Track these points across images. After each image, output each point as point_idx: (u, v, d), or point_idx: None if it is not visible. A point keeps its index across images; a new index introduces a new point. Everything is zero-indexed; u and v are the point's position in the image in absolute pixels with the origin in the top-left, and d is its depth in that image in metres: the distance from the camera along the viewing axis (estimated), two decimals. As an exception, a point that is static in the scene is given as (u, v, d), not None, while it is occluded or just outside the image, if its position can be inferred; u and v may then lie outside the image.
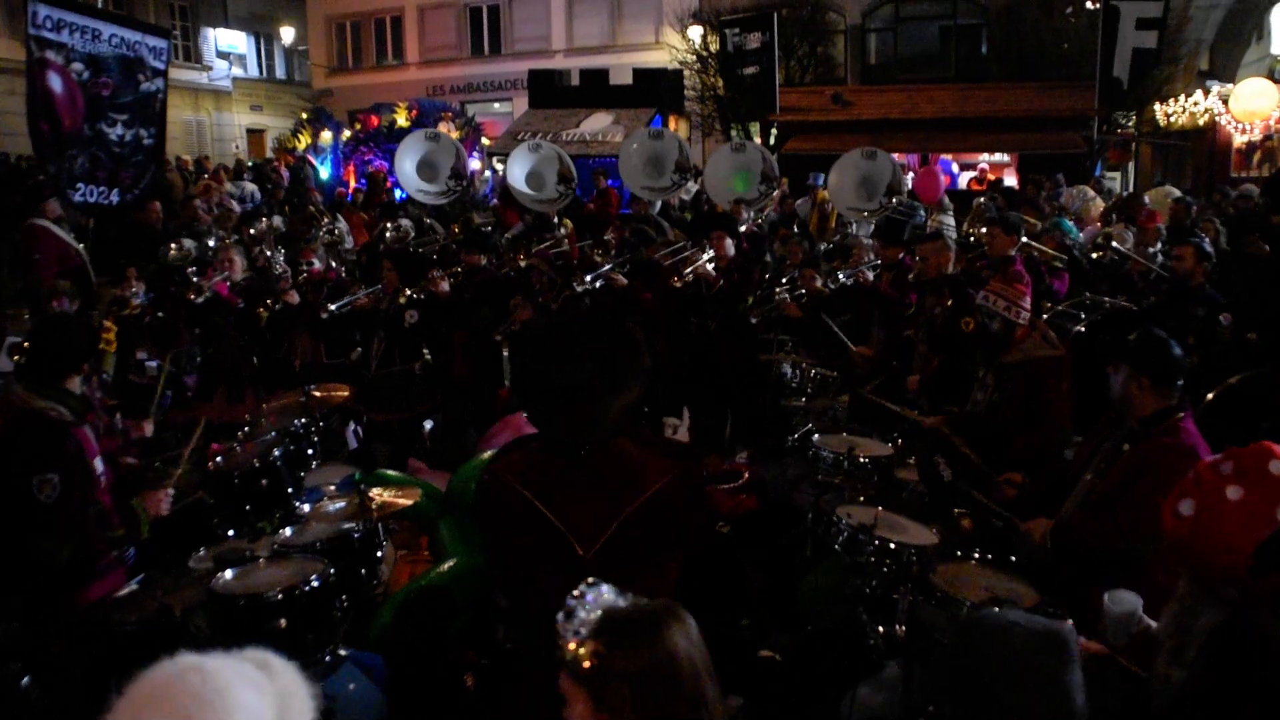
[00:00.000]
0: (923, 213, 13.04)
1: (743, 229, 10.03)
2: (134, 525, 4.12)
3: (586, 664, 1.91)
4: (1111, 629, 2.88)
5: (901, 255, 7.84)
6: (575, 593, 1.99)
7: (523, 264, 8.86)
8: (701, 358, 7.96)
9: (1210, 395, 5.79)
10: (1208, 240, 7.44)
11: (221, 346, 7.64)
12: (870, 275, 8.06)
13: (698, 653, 1.97)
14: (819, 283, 8.00)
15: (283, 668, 1.56)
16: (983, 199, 12.35)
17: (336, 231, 11.59)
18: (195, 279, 7.84)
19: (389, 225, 11.51)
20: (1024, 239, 7.83)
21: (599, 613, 1.96)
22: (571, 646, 1.94)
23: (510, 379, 7.97)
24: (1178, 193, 13.28)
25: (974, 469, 4.59)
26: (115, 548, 4.12)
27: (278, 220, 12.23)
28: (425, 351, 7.45)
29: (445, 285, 7.84)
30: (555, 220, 11.63)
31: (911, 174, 16.08)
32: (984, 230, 8.86)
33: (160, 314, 7.44)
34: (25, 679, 3.84)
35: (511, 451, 3.32)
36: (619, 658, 1.90)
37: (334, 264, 9.40)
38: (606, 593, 2.00)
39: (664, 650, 1.91)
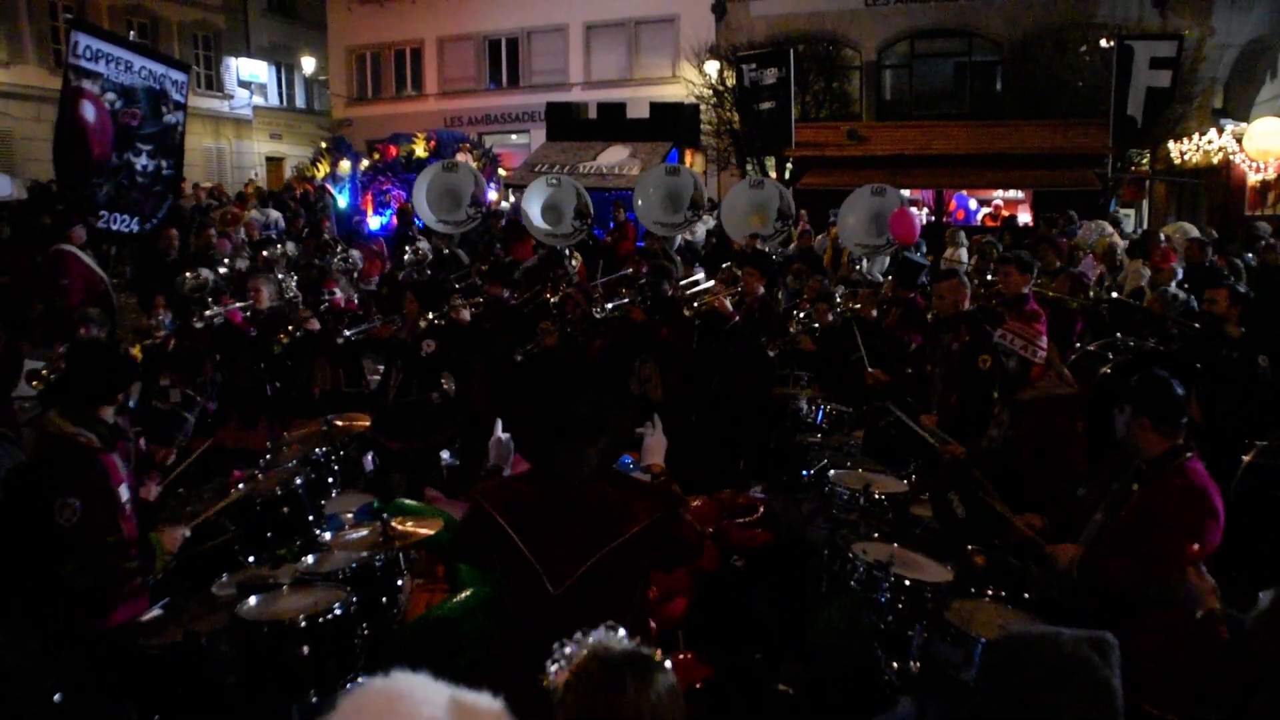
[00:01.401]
0: (924, 247, 13.16)
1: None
2: (149, 558, 4.15)
3: (555, 694, 1.94)
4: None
5: (911, 296, 7.94)
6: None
7: (552, 299, 8.93)
8: (717, 391, 8.01)
9: (1247, 459, 5.72)
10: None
11: (236, 373, 7.72)
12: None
13: (665, 713, 1.91)
14: (831, 317, 8.08)
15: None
16: (989, 238, 12.38)
17: (351, 260, 11.73)
18: (212, 305, 7.96)
19: (408, 249, 11.64)
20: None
21: (585, 649, 1.97)
22: (551, 671, 1.97)
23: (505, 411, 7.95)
24: (1195, 231, 13.28)
25: (990, 509, 4.62)
26: (129, 578, 4.14)
27: (290, 247, 12.37)
28: (445, 382, 7.50)
29: (466, 314, 7.92)
30: (567, 254, 11.73)
31: (926, 209, 16.13)
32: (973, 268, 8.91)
33: (189, 342, 7.54)
34: (58, 695, 3.88)
35: (502, 480, 3.40)
36: (578, 697, 1.91)
37: (354, 294, 9.50)
38: (605, 632, 2.01)
39: (622, 704, 1.88)
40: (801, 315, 8.37)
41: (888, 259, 12.27)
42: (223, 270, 10.10)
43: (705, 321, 8.15)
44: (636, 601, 3.14)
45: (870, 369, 7.39)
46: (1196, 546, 3.61)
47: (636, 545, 2.96)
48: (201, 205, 18.28)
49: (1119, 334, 7.86)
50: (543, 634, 2.94)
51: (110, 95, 9.67)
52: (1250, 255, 11.21)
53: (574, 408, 2.99)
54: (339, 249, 11.89)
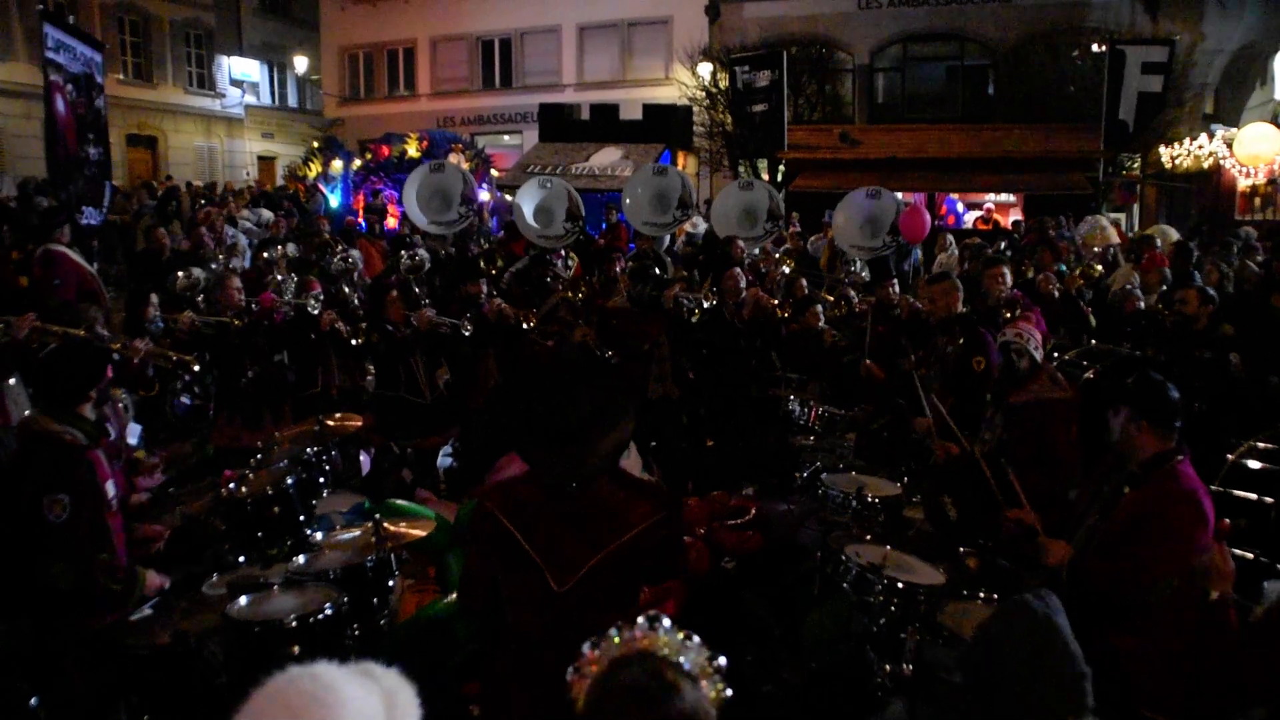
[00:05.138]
0: (918, 252, 13.20)
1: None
2: (130, 589, 4.14)
3: (576, 701, 1.77)
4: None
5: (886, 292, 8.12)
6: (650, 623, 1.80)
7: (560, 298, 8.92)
8: (714, 392, 8.05)
9: (1231, 458, 5.77)
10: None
11: (271, 369, 7.59)
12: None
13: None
14: (821, 321, 8.11)
15: (383, 672, 1.62)
16: (979, 240, 12.45)
17: (351, 259, 11.62)
18: (200, 303, 7.91)
19: (405, 254, 11.55)
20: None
21: (609, 651, 1.79)
22: (571, 676, 1.80)
23: (503, 418, 7.88)
24: (1176, 234, 13.36)
25: (986, 504, 4.62)
26: (111, 601, 4.12)
27: (290, 248, 12.26)
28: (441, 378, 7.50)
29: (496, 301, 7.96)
30: (563, 254, 11.68)
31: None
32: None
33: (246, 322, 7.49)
34: (33, 699, 3.86)
35: (505, 483, 3.40)
36: (606, 707, 1.73)
37: (349, 292, 9.42)
38: (629, 632, 1.80)
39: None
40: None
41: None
42: (214, 266, 10.03)
43: (712, 321, 8.17)
44: (638, 606, 3.13)
45: (868, 360, 7.39)
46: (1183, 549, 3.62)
47: (638, 545, 2.96)
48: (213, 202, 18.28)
49: (1094, 340, 7.95)
50: (547, 633, 2.95)
51: (69, 86, 9.60)
52: (1234, 258, 11.28)
53: (557, 416, 2.96)
54: (339, 248, 11.79)
